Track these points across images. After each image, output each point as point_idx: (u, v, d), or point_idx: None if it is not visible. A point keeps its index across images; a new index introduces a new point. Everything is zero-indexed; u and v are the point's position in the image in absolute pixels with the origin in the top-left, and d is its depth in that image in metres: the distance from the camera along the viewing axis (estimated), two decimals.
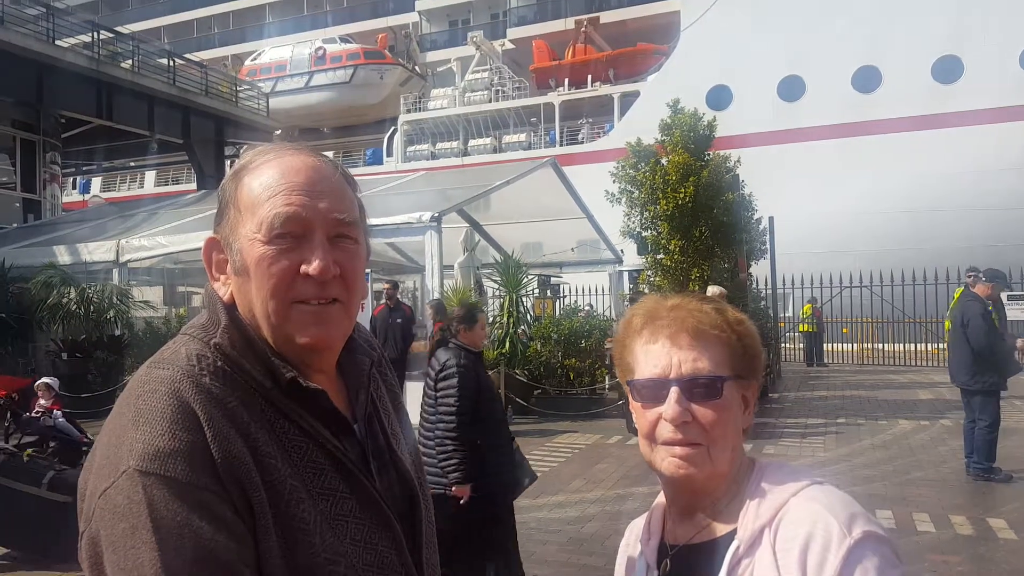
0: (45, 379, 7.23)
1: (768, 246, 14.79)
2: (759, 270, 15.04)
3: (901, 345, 18.18)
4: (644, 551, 1.13)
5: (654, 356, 1.05)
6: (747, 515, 1.00)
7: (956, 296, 7.34)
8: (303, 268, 0.95)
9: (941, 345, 14.59)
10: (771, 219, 14.81)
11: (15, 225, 17.73)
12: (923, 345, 17.46)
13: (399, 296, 10.64)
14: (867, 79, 25.38)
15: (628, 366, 1.09)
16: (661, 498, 1.14)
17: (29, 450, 5.62)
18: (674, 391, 1.01)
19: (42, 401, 6.91)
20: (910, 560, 4.83)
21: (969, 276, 8.21)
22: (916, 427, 9.49)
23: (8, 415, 6.90)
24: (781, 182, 21.90)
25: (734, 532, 1.00)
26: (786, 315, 19.27)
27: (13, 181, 19.29)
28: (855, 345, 18.93)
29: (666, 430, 1.02)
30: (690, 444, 1.01)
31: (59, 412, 6.70)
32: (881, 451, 8.16)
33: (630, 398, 1.08)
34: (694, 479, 1.02)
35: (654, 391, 1.03)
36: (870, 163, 23.84)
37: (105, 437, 0.91)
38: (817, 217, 22.73)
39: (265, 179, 0.98)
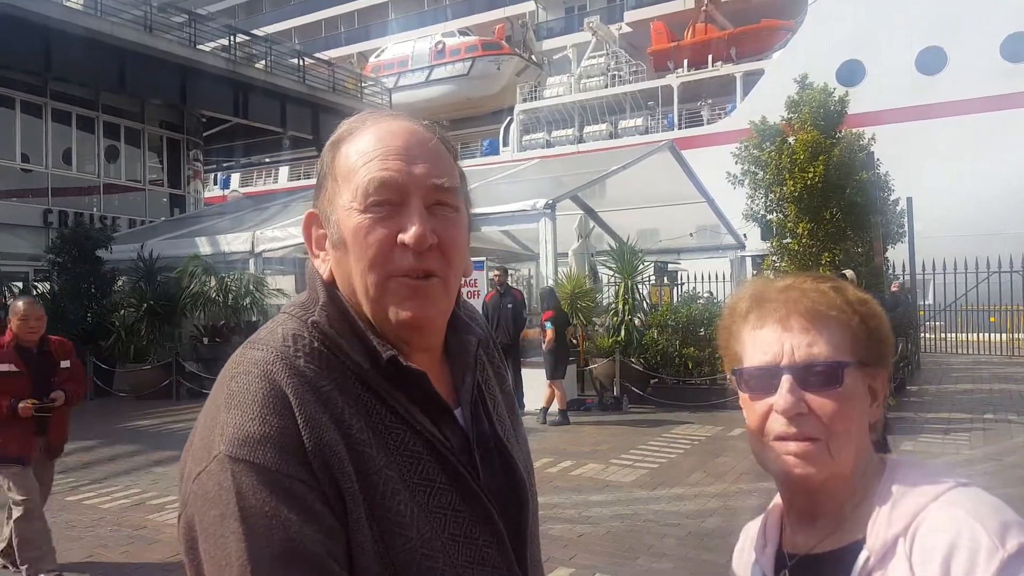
0: None
1: (906, 228, 13.86)
2: (896, 254, 14.13)
3: None
4: (760, 560, 1.01)
5: (763, 342, 0.93)
6: (877, 522, 0.88)
7: None
8: (400, 237, 0.90)
9: None
10: (909, 199, 13.86)
11: (163, 219, 19.17)
12: None
13: (508, 282, 10.69)
14: (1017, 47, 23.23)
15: (735, 355, 0.98)
16: (778, 500, 1.03)
17: None
18: (786, 379, 0.90)
19: None
20: None
21: None
22: None
23: None
24: (921, 160, 20.54)
25: (862, 541, 0.88)
26: (926, 302, 18.01)
27: (161, 178, 20.87)
28: (1004, 335, 17.43)
29: (778, 423, 0.91)
30: (806, 439, 0.89)
31: None
32: None
33: (737, 389, 0.97)
34: (812, 479, 0.90)
35: (763, 380, 0.92)
36: (1022, 138, 21.85)
37: (203, 418, 0.90)
38: (962, 197, 21.11)
39: (361, 145, 0.94)
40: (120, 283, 14.03)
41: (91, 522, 5.72)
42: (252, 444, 0.82)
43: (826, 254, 10.69)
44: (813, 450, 0.89)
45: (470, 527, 0.91)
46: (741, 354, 0.97)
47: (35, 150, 17.69)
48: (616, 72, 32.86)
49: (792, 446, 0.90)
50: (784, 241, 11.22)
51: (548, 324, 9.38)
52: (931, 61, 24.52)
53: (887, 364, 0.96)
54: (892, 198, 13.17)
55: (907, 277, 14.89)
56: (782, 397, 0.90)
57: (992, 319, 18.09)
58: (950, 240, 18.06)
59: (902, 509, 0.87)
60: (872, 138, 11.83)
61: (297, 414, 0.85)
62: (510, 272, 12.46)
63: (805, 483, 0.92)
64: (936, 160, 21.88)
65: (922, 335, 16.67)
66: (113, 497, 6.42)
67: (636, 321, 11.07)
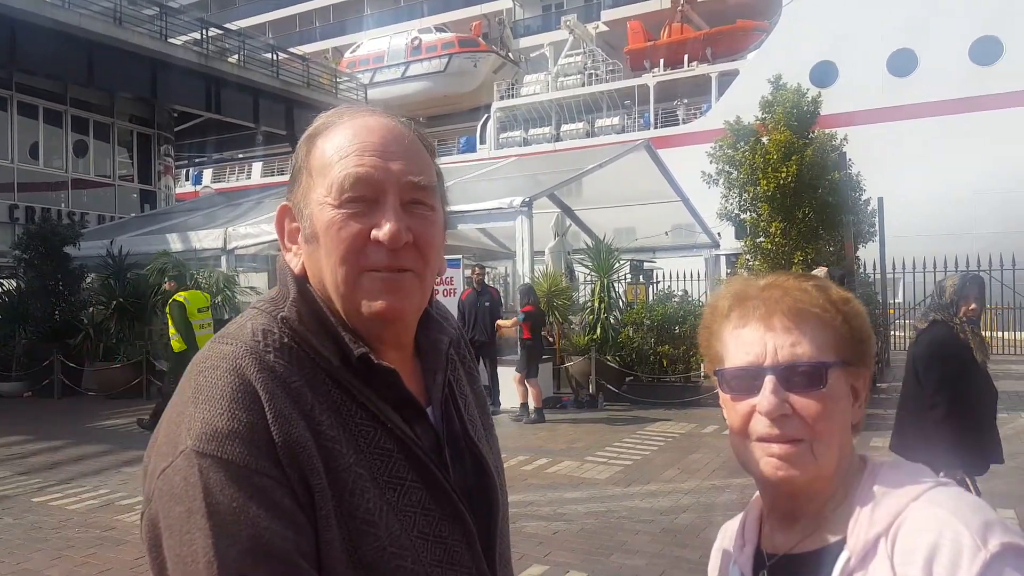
0: None
1: (877, 228, 14.05)
2: (867, 253, 14.29)
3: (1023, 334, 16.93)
4: (738, 559, 1.00)
5: (745, 342, 0.92)
6: (859, 522, 0.87)
7: None
8: (374, 234, 0.89)
9: None
10: (880, 199, 14.05)
11: (133, 215, 18.86)
12: None
13: (485, 280, 10.67)
14: (986, 50, 23.66)
15: (716, 355, 0.97)
16: (757, 498, 1.02)
17: None
18: (769, 380, 0.89)
19: None
20: None
21: None
22: None
23: None
24: (892, 161, 20.83)
25: (843, 542, 0.88)
26: (896, 300, 18.28)
27: (131, 173, 20.53)
28: None
29: (761, 425, 0.89)
30: (789, 441, 0.88)
31: None
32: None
33: (719, 390, 0.96)
34: (795, 481, 0.89)
35: (746, 381, 0.91)
36: (990, 139, 22.27)
37: (169, 413, 0.88)
38: (931, 197, 21.47)
39: (337, 140, 0.93)
40: (89, 280, 13.77)
41: (58, 523, 5.60)
42: (220, 439, 0.81)
43: (799, 253, 10.80)
44: (796, 452, 0.88)
45: (439, 526, 0.91)
46: (723, 354, 0.96)
47: (0, 144, 17.31)
48: (593, 71, 32.95)
49: (775, 448, 0.89)
50: (757, 240, 11.31)
51: (523, 316, 9.39)
52: (902, 63, 24.87)
53: (869, 364, 0.95)
54: (864, 198, 13.32)
55: (878, 275, 15.08)
56: (765, 398, 0.89)
57: None
58: (920, 239, 18.33)
59: (883, 509, 0.86)
60: (844, 139, 11.96)
61: (266, 409, 0.83)
62: (487, 270, 12.42)
63: (788, 485, 0.91)
64: (907, 161, 22.20)
65: (892, 333, 16.91)
66: (81, 498, 6.30)
67: (612, 319, 11.11)
